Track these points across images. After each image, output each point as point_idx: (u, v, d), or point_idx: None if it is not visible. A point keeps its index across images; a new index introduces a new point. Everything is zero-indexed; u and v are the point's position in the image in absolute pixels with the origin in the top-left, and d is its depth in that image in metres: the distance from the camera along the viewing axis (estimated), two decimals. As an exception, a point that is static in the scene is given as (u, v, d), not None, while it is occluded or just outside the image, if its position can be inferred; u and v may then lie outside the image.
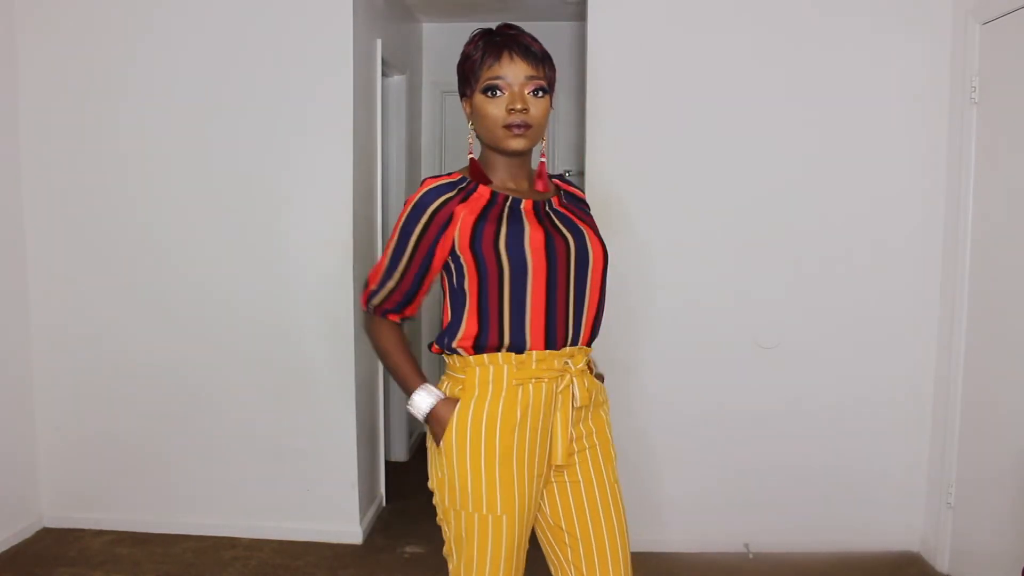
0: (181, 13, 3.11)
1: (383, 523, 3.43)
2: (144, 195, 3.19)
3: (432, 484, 1.60)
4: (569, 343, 1.58)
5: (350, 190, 3.11)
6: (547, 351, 1.55)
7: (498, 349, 1.54)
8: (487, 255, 1.50)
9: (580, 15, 3.59)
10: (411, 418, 4.35)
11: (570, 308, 1.57)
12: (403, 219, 1.53)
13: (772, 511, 3.13)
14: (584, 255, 1.58)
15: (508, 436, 1.52)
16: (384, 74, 3.73)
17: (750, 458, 3.12)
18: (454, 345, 1.56)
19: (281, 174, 3.13)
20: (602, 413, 1.69)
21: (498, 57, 1.51)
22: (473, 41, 1.57)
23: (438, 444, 1.55)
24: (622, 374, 3.08)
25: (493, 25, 1.59)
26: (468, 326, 1.54)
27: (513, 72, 1.50)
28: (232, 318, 3.20)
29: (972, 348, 2.84)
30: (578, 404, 1.60)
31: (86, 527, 3.29)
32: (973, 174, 2.81)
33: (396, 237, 1.54)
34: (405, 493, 3.75)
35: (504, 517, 1.53)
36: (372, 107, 3.44)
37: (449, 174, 1.56)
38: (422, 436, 4.62)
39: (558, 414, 1.58)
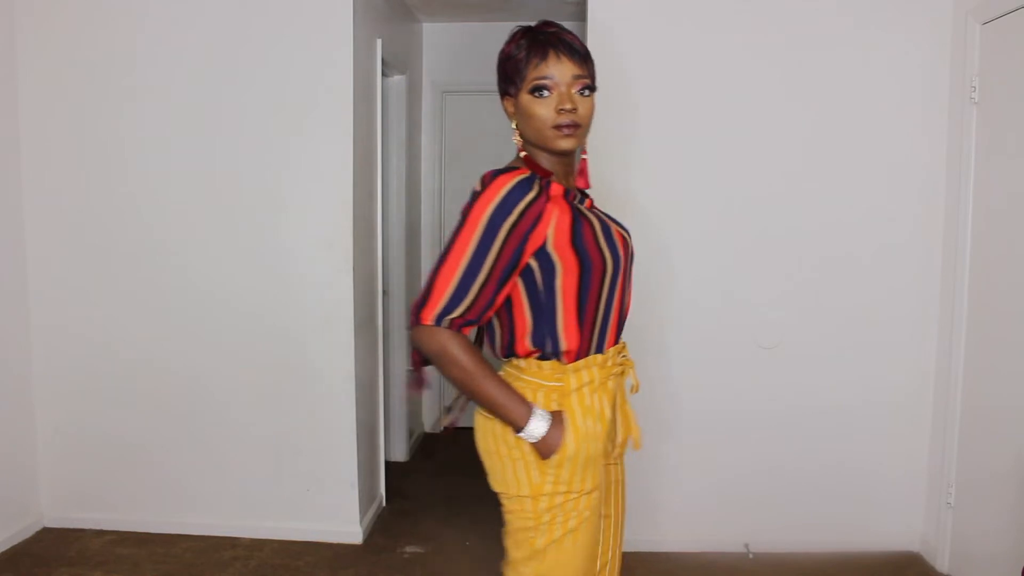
0: (181, 13, 3.10)
1: (383, 523, 3.43)
2: (144, 195, 3.19)
3: (517, 490, 1.51)
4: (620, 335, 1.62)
5: (350, 190, 3.11)
6: (615, 345, 1.58)
7: (588, 352, 1.52)
8: (592, 253, 1.47)
9: (580, 15, 3.59)
10: (411, 418, 4.36)
11: (626, 303, 1.62)
12: (489, 212, 1.40)
13: (772, 511, 3.13)
14: (632, 252, 1.65)
15: (605, 436, 1.53)
16: (384, 74, 3.73)
17: (750, 458, 3.12)
18: (561, 350, 1.49)
19: (281, 174, 3.13)
20: None
21: (544, 56, 1.48)
22: (515, 40, 1.53)
23: (545, 458, 1.48)
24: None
25: (532, 23, 1.56)
26: (568, 329, 1.49)
27: (560, 71, 1.47)
28: (232, 318, 3.20)
29: (972, 348, 2.84)
30: (635, 392, 1.64)
31: (86, 527, 3.29)
32: (973, 174, 2.81)
33: (479, 233, 1.40)
34: (405, 493, 3.75)
35: (592, 516, 1.53)
36: (372, 107, 3.44)
37: (514, 169, 1.48)
38: (422, 436, 4.63)
39: (626, 405, 1.63)
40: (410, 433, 4.34)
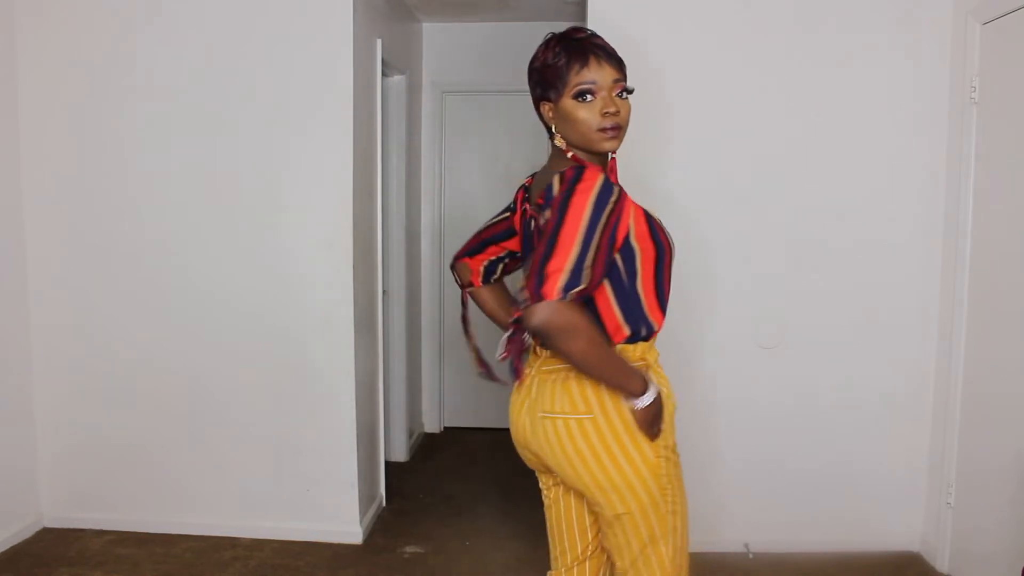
0: (181, 14, 3.10)
1: (383, 523, 3.43)
2: (144, 195, 3.19)
3: (635, 473, 1.58)
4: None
5: (350, 190, 3.10)
6: None
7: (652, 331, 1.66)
8: (664, 241, 1.60)
9: (580, 15, 3.59)
10: (411, 418, 4.36)
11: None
12: (592, 198, 1.44)
13: (772, 511, 3.13)
14: None
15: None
16: (384, 74, 3.73)
17: (750, 458, 3.12)
18: (653, 331, 1.64)
19: (281, 174, 3.13)
20: None
21: (585, 62, 1.55)
22: (550, 47, 1.60)
23: (651, 429, 1.58)
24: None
25: (562, 27, 1.63)
26: (653, 311, 1.62)
27: (602, 76, 1.55)
28: (232, 318, 3.20)
29: (972, 348, 2.84)
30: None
31: (86, 527, 3.29)
32: (973, 174, 2.81)
33: (588, 214, 1.43)
34: (405, 493, 3.75)
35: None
36: (372, 107, 3.44)
37: (582, 168, 1.54)
38: (422, 436, 4.63)
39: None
40: (410, 433, 4.34)
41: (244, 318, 3.19)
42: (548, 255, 1.42)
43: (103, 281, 3.23)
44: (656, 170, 3.06)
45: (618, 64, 1.58)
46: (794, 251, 3.06)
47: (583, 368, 1.51)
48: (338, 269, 3.13)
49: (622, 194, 1.51)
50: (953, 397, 2.90)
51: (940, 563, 2.97)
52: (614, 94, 1.56)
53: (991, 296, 2.75)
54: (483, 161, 4.66)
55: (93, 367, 3.27)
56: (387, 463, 3.76)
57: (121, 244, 3.21)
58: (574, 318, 1.42)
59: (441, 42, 4.52)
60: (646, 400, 1.53)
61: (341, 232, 3.12)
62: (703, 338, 3.10)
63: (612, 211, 1.47)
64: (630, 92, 1.60)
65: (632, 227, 1.54)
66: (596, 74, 1.54)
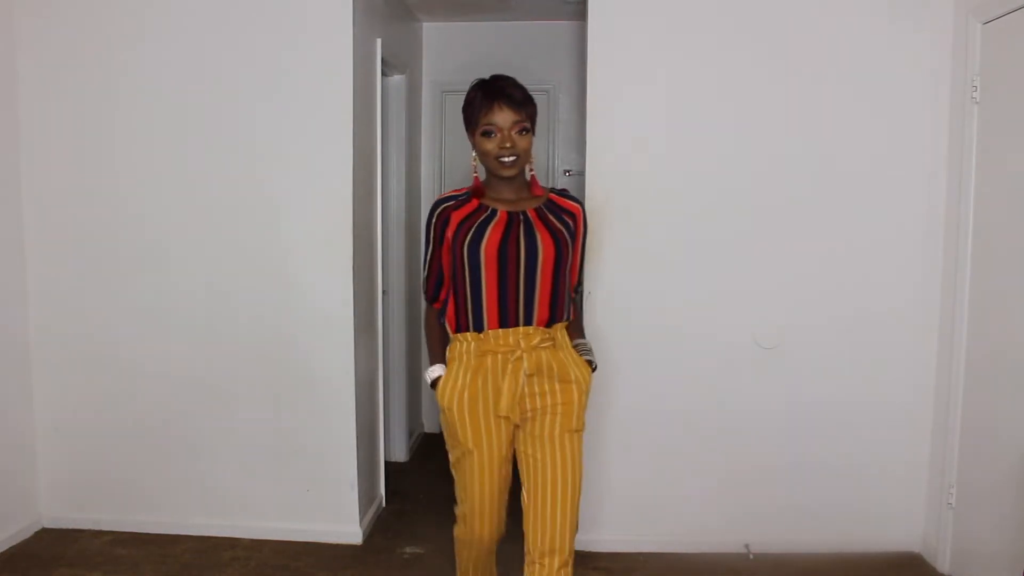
0: (180, 13, 3.10)
1: (383, 523, 3.43)
2: (143, 195, 3.18)
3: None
4: (522, 323, 1.94)
5: (350, 190, 3.10)
6: (501, 329, 1.94)
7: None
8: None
9: (580, 15, 3.59)
10: (411, 418, 4.37)
11: (520, 294, 1.92)
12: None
13: (772, 511, 3.13)
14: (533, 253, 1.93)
15: (473, 394, 1.99)
16: (384, 74, 3.72)
17: (750, 458, 3.12)
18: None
19: (281, 174, 3.12)
20: (572, 389, 1.98)
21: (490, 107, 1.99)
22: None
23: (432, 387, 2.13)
24: (621, 373, 3.08)
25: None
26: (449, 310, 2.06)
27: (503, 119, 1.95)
28: (232, 318, 3.19)
29: (973, 348, 2.84)
30: (528, 372, 1.93)
31: (85, 527, 3.29)
32: (974, 174, 2.81)
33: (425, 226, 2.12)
34: (405, 493, 3.75)
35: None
36: (372, 107, 3.44)
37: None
38: (422, 436, 4.64)
39: (507, 377, 1.93)
40: (410, 433, 4.34)
41: (244, 318, 3.19)
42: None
43: (102, 281, 3.23)
44: (653, 169, 3.05)
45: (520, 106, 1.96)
46: (794, 252, 3.05)
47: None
48: (338, 269, 3.13)
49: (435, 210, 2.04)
50: (954, 398, 2.90)
51: (941, 563, 2.97)
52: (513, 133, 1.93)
53: (992, 297, 2.75)
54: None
55: (93, 367, 3.26)
56: (387, 463, 3.75)
57: (121, 243, 3.20)
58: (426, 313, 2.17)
59: (441, 42, 4.51)
60: (427, 376, 2.13)
61: (341, 232, 3.11)
62: (703, 339, 3.09)
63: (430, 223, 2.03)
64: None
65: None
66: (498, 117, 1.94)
